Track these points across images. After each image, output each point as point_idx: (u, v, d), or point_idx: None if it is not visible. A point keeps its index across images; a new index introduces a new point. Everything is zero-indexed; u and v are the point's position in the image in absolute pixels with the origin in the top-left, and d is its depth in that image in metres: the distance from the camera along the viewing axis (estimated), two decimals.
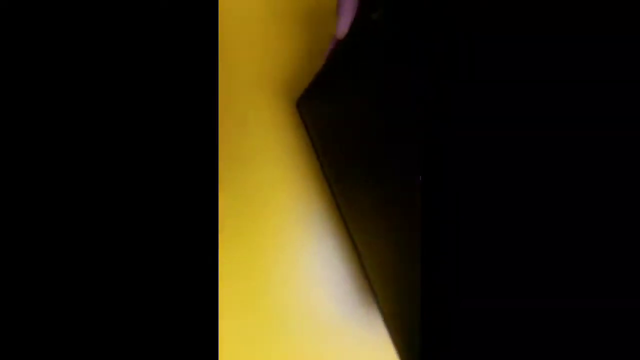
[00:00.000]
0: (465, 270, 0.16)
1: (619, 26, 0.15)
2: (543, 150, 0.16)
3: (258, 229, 0.37)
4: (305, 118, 0.37)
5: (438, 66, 0.16)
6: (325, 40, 0.41)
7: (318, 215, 0.38)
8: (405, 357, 0.29)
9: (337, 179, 0.35)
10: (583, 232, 0.15)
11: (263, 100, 0.39)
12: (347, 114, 0.30)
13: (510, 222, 0.16)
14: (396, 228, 0.26)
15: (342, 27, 0.25)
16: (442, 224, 0.16)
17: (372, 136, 0.27)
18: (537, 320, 0.15)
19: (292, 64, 0.40)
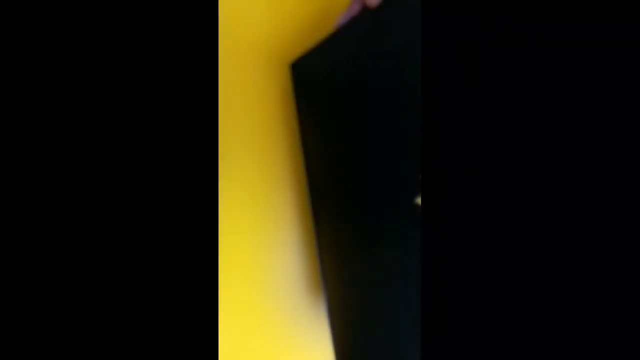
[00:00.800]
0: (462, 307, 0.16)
1: (619, 26, 0.15)
2: (542, 185, 0.15)
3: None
4: (296, 83, 0.35)
5: (438, 66, 0.16)
6: (324, 6, 0.39)
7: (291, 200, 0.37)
8: None
9: (318, 154, 0.33)
10: (580, 264, 0.15)
11: (258, 63, 0.37)
12: (347, 92, 0.29)
13: (507, 244, 0.15)
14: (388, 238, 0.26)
15: None
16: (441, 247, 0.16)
17: (369, 123, 0.27)
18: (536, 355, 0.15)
19: (290, 28, 0.38)
